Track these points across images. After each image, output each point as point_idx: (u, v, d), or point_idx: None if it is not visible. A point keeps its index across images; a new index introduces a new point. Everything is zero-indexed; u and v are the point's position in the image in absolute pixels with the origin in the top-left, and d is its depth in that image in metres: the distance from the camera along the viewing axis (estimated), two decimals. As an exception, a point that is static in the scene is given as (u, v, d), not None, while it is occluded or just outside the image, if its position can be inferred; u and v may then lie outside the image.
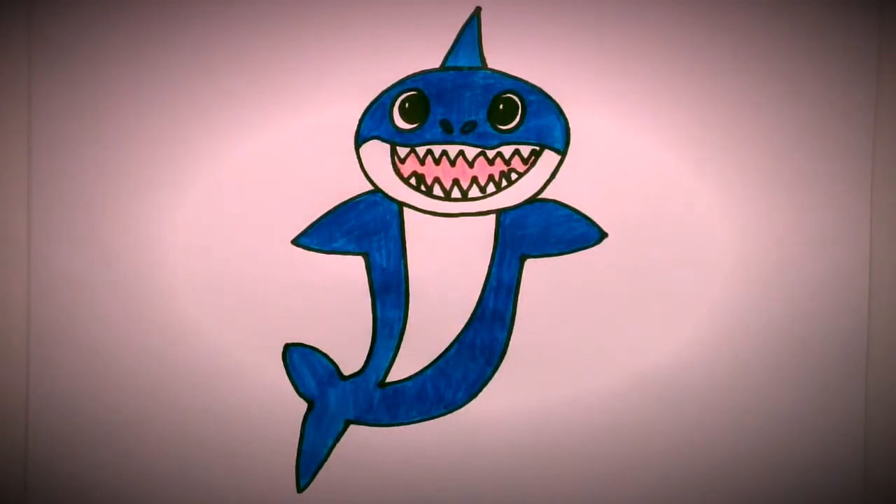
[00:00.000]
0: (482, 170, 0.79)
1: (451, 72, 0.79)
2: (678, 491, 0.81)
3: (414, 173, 0.79)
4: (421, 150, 0.79)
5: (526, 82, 0.78)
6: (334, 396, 0.81)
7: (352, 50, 0.79)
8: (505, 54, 0.78)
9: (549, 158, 0.79)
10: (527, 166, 0.79)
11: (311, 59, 0.79)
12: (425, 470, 0.81)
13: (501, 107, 0.78)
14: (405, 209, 0.80)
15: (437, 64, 0.79)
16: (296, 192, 0.80)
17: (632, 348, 0.80)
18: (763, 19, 0.77)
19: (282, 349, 0.81)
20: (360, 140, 0.79)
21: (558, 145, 0.79)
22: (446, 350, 0.81)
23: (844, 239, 0.79)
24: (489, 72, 0.78)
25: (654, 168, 0.79)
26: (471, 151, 0.79)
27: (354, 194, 0.80)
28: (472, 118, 0.78)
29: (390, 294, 0.80)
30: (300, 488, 0.82)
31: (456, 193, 0.79)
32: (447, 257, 0.80)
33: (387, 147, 0.79)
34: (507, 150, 0.79)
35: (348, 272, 0.80)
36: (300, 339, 0.81)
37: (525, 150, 0.79)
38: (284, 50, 0.79)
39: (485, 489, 0.81)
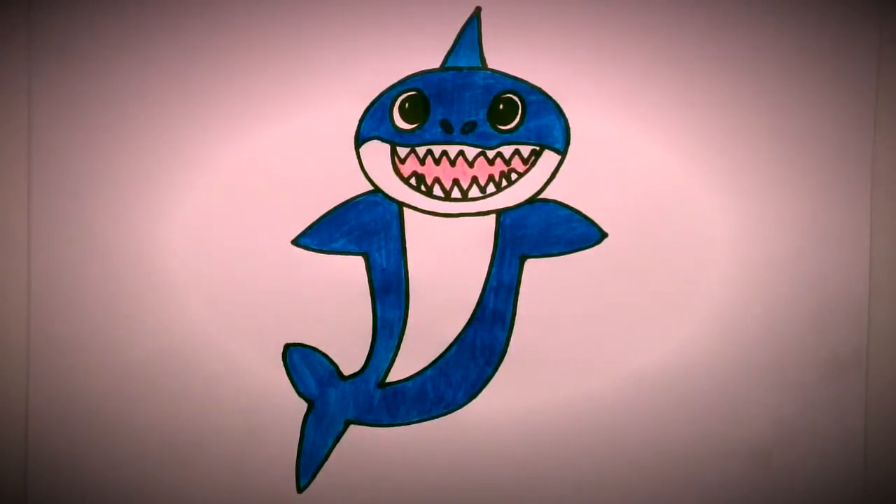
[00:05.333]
0: (482, 170, 0.79)
1: (451, 72, 0.79)
2: (678, 491, 0.81)
3: (414, 173, 0.79)
4: (421, 151, 0.79)
5: (526, 82, 0.78)
6: (334, 396, 0.81)
7: (352, 50, 0.79)
8: (505, 54, 0.78)
9: (549, 158, 0.79)
10: (527, 166, 0.79)
11: (312, 59, 0.79)
12: (425, 470, 0.81)
13: (501, 107, 0.78)
14: (405, 209, 0.80)
15: (437, 64, 0.79)
16: (296, 192, 0.80)
17: (632, 348, 0.80)
18: (763, 19, 0.77)
19: (282, 349, 0.81)
20: (360, 140, 0.79)
21: (558, 145, 0.79)
22: (446, 350, 0.81)
23: (844, 239, 0.79)
24: (489, 72, 0.78)
25: (654, 168, 0.79)
26: (471, 151, 0.79)
27: (354, 194, 0.80)
28: (472, 118, 0.78)
29: (390, 294, 0.80)
30: (300, 488, 0.82)
31: (456, 193, 0.79)
32: (447, 257, 0.80)
33: (387, 147, 0.79)
34: (507, 150, 0.79)
35: (348, 272, 0.80)
36: (300, 339, 0.81)
37: (525, 150, 0.79)
38: (284, 50, 0.79)
39: (485, 489, 0.81)
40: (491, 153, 0.79)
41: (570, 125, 0.79)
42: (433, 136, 0.79)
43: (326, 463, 0.82)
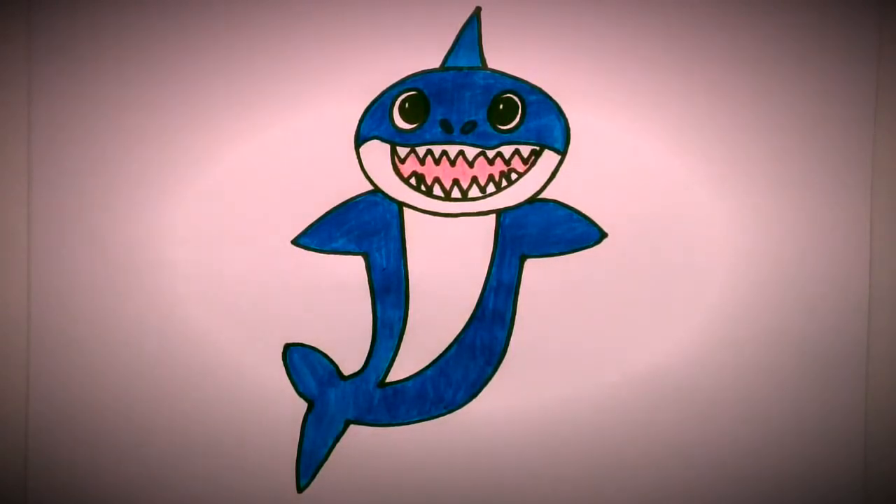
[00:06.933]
0: (482, 170, 0.79)
1: (451, 72, 0.79)
2: (678, 491, 0.81)
3: (414, 173, 0.79)
4: (421, 150, 0.79)
5: (526, 82, 0.78)
6: (334, 396, 0.81)
7: (352, 50, 0.79)
8: (505, 54, 0.78)
9: (549, 158, 0.79)
10: (527, 166, 0.79)
11: (312, 59, 0.79)
12: (425, 470, 0.81)
13: (501, 107, 0.78)
14: (405, 209, 0.80)
15: (437, 64, 0.79)
16: (296, 192, 0.80)
17: (632, 348, 0.80)
18: (763, 19, 0.77)
19: (282, 349, 0.81)
20: (360, 140, 0.79)
21: (558, 145, 0.79)
22: (446, 350, 0.81)
23: (844, 239, 0.79)
24: (489, 72, 0.78)
25: (654, 168, 0.79)
26: (471, 151, 0.79)
27: (354, 194, 0.80)
28: (472, 118, 0.78)
29: (390, 294, 0.80)
30: (300, 488, 0.82)
31: (456, 193, 0.79)
32: (447, 257, 0.80)
33: (387, 147, 0.79)
34: (507, 150, 0.79)
35: (348, 272, 0.80)
36: (300, 339, 0.81)
37: (525, 150, 0.79)
38: (285, 50, 0.79)
39: (485, 489, 0.81)
40: (491, 153, 0.79)
41: (570, 125, 0.79)
42: (433, 136, 0.79)
43: (326, 463, 0.82)
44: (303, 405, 0.82)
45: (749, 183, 0.79)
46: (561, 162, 0.79)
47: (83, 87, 0.80)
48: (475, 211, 0.79)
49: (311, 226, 0.80)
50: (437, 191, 0.79)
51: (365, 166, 0.80)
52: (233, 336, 0.81)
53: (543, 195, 0.79)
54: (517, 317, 0.80)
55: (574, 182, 0.79)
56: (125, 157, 0.81)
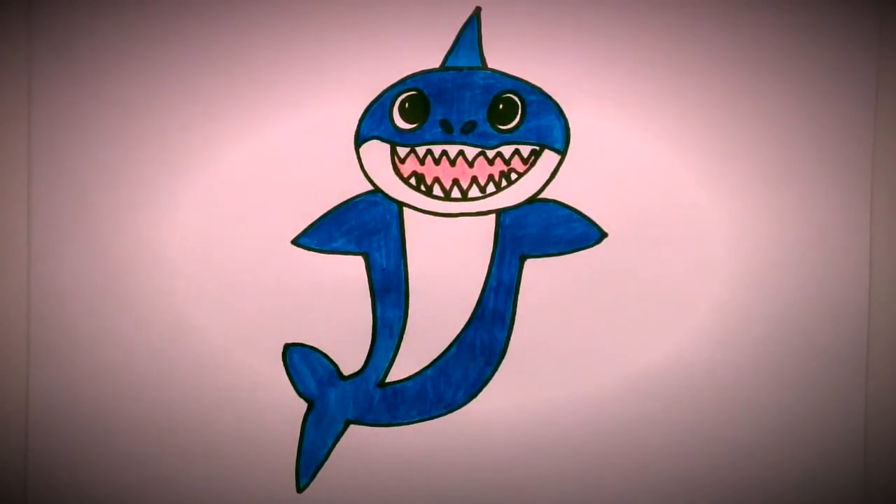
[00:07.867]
0: (482, 170, 0.79)
1: (451, 72, 0.79)
2: (678, 491, 0.81)
3: (414, 173, 0.79)
4: (421, 150, 0.79)
5: (526, 82, 0.78)
6: (334, 396, 0.81)
7: (352, 50, 0.79)
8: (505, 54, 0.78)
9: (549, 158, 0.79)
10: (527, 166, 0.79)
11: (311, 58, 0.79)
12: (425, 470, 0.81)
13: (501, 107, 0.78)
14: (405, 209, 0.80)
15: (437, 64, 0.79)
16: (296, 192, 0.80)
17: (632, 348, 0.80)
18: (763, 19, 0.77)
19: (282, 349, 0.81)
20: (360, 140, 0.79)
21: (558, 145, 0.79)
22: (446, 350, 0.81)
23: (844, 239, 0.79)
24: (489, 72, 0.79)
25: (654, 168, 0.79)
26: (471, 151, 0.79)
27: (354, 194, 0.80)
28: (472, 118, 0.78)
29: (390, 294, 0.80)
30: (300, 488, 0.82)
31: (456, 193, 0.79)
32: (447, 257, 0.80)
33: (387, 147, 0.79)
34: (506, 150, 0.79)
35: (348, 272, 0.80)
36: (300, 339, 0.81)
37: (525, 150, 0.79)
38: (284, 50, 0.79)
39: (485, 489, 0.81)
40: (491, 153, 0.79)
41: (570, 125, 0.79)
42: (433, 136, 0.79)
43: (326, 463, 0.82)
44: (303, 405, 0.82)
45: (749, 183, 0.79)
46: (561, 162, 0.79)
47: (83, 87, 0.80)
48: (475, 211, 0.79)
49: (311, 226, 0.80)
50: (436, 191, 0.79)
51: (365, 166, 0.80)
52: (233, 336, 0.81)
53: (543, 195, 0.79)
54: (517, 317, 0.80)
55: (574, 182, 0.79)
56: (125, 156, 0.81)
